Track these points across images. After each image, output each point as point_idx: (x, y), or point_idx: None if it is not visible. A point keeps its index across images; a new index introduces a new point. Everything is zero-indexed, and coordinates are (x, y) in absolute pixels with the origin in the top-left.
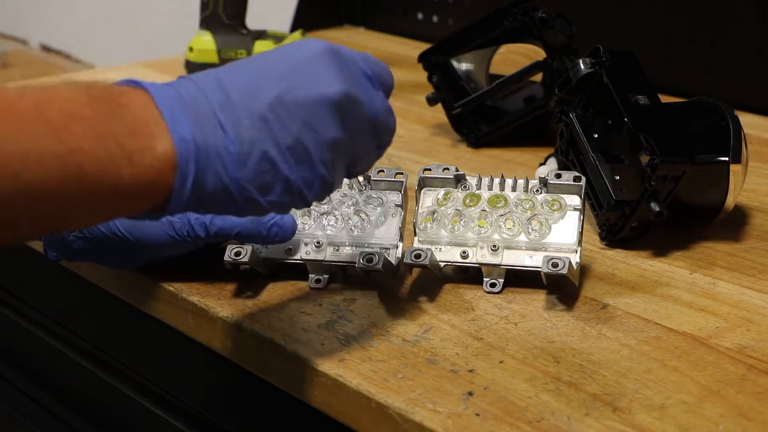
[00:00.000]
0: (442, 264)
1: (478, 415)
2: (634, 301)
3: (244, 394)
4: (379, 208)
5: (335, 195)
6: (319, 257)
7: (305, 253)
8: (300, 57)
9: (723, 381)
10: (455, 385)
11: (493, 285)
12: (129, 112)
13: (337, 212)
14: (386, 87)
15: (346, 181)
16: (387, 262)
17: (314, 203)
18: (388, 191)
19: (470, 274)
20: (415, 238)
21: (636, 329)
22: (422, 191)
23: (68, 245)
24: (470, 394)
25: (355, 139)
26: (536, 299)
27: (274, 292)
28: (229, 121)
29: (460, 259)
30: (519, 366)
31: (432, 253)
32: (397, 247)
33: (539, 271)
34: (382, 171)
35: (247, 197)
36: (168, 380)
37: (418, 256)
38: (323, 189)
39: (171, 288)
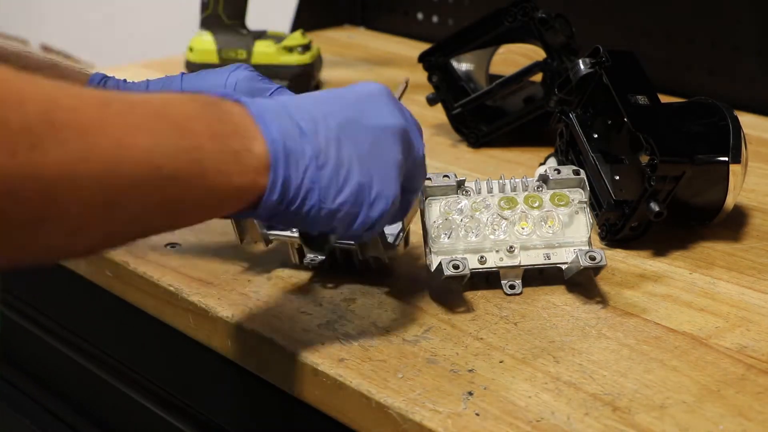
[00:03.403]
0: None
1: (478, 415)
2: (634, 301)
3: (244, 394)
4: None
5: None
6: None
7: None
8: (363, 92)
9: (723, 381)
10: (455, 385)
11: (512, 287)
12: (231, 117)
13: None
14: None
15: None
16: (382, 235)
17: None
18: None
19: (486, 278)
20: (427, 249)
21: (636, 329)
22: (426, 201)
23: None
24: (470, 394)
25: (407, 172)
26: (536, 299)
27: (275, 292)
28: (309, 130)
29: (479, 265)
30: (519, 366)
31: (468, 262)
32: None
33: (554, 267)
34: None
35: (322, 203)
36: (168, 380)
37: (456, 267)
38: (390, 204)
39: (171, 288)
